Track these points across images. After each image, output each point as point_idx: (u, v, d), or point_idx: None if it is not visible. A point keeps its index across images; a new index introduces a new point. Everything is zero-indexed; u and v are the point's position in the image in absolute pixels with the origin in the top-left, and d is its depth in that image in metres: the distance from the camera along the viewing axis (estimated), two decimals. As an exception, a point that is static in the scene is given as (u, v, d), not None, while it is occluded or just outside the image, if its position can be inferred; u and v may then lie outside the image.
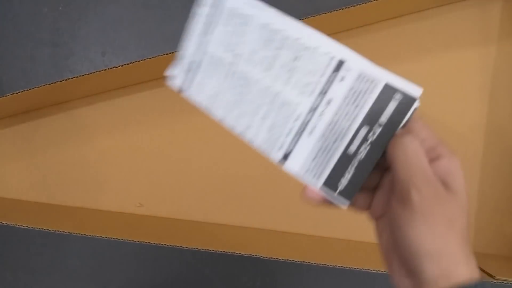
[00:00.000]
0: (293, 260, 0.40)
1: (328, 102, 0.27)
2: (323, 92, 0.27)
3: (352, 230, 0.49)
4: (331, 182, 0.27)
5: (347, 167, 0.26)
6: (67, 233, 0.41)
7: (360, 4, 0.40)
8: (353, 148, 0.26)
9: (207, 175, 0.50)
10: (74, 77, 0.42)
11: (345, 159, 0.26)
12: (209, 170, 0.50)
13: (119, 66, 0.41)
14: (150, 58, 0.41)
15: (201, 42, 0.31)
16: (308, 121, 0.27)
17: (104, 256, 0.53)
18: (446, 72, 0.48)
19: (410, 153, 0.22)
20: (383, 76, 0.25)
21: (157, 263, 0.52)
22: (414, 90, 0.25)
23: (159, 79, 0.50)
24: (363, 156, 0.26)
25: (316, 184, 0.27)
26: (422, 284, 0.21)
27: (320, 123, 0.27)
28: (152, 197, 0.50)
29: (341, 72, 0.26)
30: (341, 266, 0.41)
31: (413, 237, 0.21)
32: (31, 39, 0.52)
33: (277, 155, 0.29)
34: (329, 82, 0.27)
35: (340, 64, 0.27)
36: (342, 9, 0.40)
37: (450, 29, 0.48)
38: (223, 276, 0.52)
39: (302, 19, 0.40)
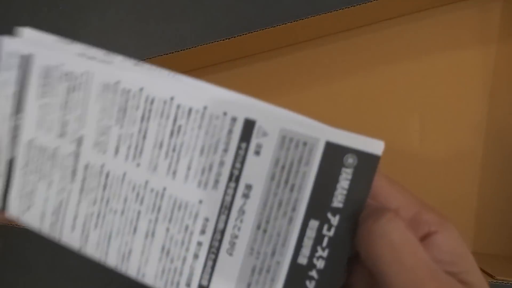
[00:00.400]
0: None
1: (247, 193, 0.17)
2: (235, 178, 0.17)
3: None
4: None
5: (303, 286, 0.17)
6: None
7: (359, 4, 0.40)
8: (304, 256, 0.17)
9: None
10: None
11: (297, 275, 0.17)
12: None
13: None
14: (150, 58, 0.41)
15: (12, 128, 0.21)
16: (223, 230, 0.17)
17: (104, 256, 0.53)
18: (446, 72, 0.48)
19: (401, 247, 0.14)
20: (319, 132, 0.17)
21: (157, 263, 0.52)
22: (373, 145, 0.16)
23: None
24: (323, 265, 0.16)
25: None
26: None
27: (242, 229, 0.17)
28: None
29: (254, 140, 0.17)
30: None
31: None
32: (31, 39, 0.52)
33: None
34: (239, 159, 0.17)
35: (248, 126, 0.17)
36: (342, 9, 0.40)
37: (450, 29, 0.48)
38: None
39: (302, 19, 0.40)
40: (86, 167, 0.19)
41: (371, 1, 0.40)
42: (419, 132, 0.48)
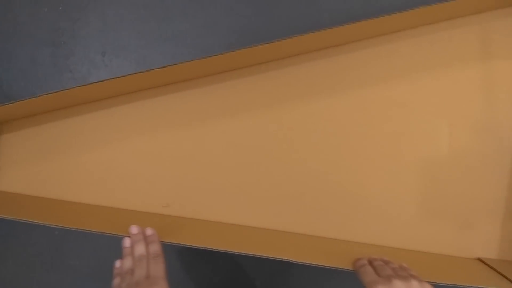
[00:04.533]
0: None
1: None
2: None
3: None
4: None
5: None
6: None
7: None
8: None
9: (230, 175, 0.50)
10: (110, 79, 0.41)
11: None
12: (232, 171, 0.50)
13: (148, 70, 0.41)
14: (183, 63, 0.41)
15: None
16: None
17: (104, 256, 0.53)
18: (476, 81, 0.48)
19: None
20: None
21: (157, 263, 0.52)
22: None
23: (187, 81, 0.50)
24: None
25: None
26: None
27: None
28: (179, 197, 0.51)
29: None
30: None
31: None
32: (31, 39, 0.52)
33: None
34: None
35: None
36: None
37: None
38: (223, 276, 0.52)
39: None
40: None
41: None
42: (448, 138, 0.48)
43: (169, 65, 0.41)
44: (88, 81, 0.52)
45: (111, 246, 0.52)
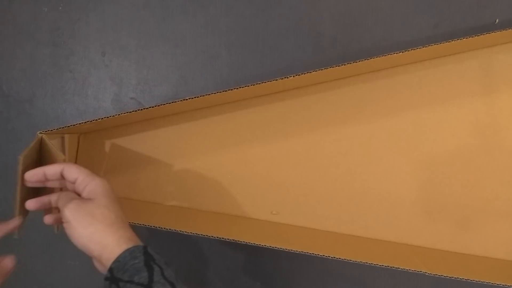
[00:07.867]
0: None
1: None
2: None
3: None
4: None
5: None
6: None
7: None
8: None
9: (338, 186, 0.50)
10: (224, 91, 0.41)
11: None
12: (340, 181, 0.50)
13: (264, 82, 0.41)
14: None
15: None
16: None
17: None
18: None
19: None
20: None
21: (157, 263, 0.52)
22: None
23: (297, 89, 0.49)
24: None
25: None
26: (100, 259, 0.31)
27: None
28: (288, 205, 0.50)
29: None
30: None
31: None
32: (31, 39, 0.52)
33: None
34: None
35: None
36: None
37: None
38: (223, 276, 0.52)
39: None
40: None
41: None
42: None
43: (281, 78, 0.40)
44: (88, 81, 0.52)
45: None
